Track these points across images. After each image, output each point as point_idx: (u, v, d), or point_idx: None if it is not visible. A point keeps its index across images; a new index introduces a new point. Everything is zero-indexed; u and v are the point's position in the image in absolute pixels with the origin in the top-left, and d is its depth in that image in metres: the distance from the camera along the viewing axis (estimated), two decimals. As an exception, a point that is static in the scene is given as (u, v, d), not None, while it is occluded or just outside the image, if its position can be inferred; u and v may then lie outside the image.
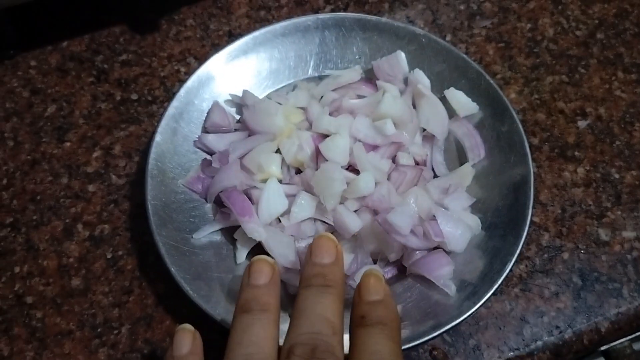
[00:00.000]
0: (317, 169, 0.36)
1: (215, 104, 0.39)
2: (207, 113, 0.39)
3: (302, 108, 0.39)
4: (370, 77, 0.41)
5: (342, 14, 0.41)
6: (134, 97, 0.43)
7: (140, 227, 0.38)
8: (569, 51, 0.45)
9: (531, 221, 0.35)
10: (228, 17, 0.47)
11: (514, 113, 0.37)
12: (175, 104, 0.38)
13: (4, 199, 0.40)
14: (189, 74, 0.44)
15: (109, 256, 0.38)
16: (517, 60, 0.44)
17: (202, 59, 0.45)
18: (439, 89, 0.40)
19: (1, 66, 0.45)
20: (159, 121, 0.38)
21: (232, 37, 0.46)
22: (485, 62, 0.44)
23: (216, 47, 0.45)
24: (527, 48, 0.45)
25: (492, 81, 0.38)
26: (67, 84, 0.44)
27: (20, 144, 0.42)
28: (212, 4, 0.48)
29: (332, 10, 0.47)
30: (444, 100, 0.39)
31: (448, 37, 0.46)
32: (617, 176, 0.40)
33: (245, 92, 0.39)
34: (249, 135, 0.38)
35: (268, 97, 0.40)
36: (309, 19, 0.41)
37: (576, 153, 0.41)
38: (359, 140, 0.36)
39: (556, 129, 0.42)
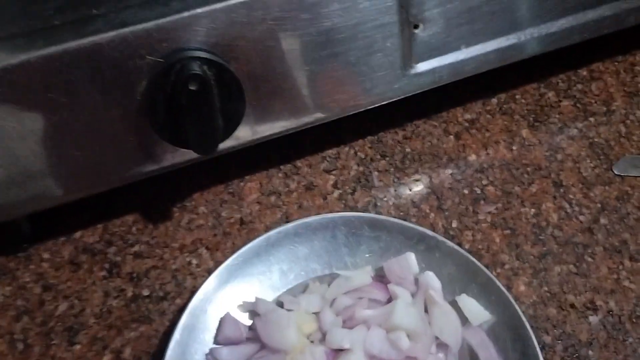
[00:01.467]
0: (331, 387, 0.35)
1: (227, 317, 0.39)
2: (219, 324, 0.39)
3: (314, 312, 0.39)
4: (381, 275, 0.41)
5: (350, 214, 0.43)
6: (145, 292, 0.44)
7: None
8: (574, 238, 0.46)
9: None
10: (239, 204, 0.48)
11: (526, 323, 0.37)
12: (185, 319, 0.38)
13: (10, 410, 0.39)
14: (200, 266, 0.45)
15: None
16: (524, 248, 0.45)
17: (213, 249, 0.46)
18: (450, 290, 0.40)
19: (14, 260, 0.45)
20: (170, 333, 0.38)
21: (243, 224, 0.47)
22: (492, 251, 0.45)
23: (227, 236, 0.46)
24: (533, 235, 0.46)
25: (502, 287, 0.39)
26: (79, 279, 0.44)
27: (29, 347, 0.41)
28: (223, 189, 0.49)
29: (340, 195, 0.48)
30: (455, 303, 0.39)
31: (454, 224, 0.46)
32: (633, 379, 0.39)
33: (257, 300, 0.39)
34: (261, 347, 0.38)
35: (280, 300, 0.40)
36: (319, 219, 0.42)
37: (590, 352, 0.40)
38: (374, 356, 0.36)
39: (568, 325, 0.42)
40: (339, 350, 0.36)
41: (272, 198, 0.48)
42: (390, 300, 0.40)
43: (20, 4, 0.37)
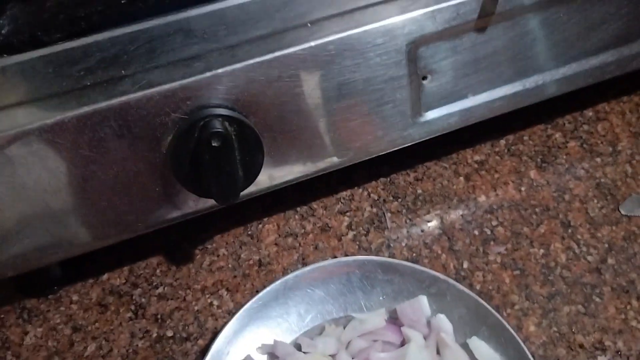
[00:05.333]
0: None
1: (247, 359, 0.41)
2: (240, 368, 0.41)
3: (331, 355, 0.41)
4: (394, 318, 0.43)
5: (364, 258, 0.44)
6: (169, 333, 0.46)
7: None
8: (583, 278, 0.47)
9: None
10: (258, 245, 0.50)
11: (535, 366, 0.39)
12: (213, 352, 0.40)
13: None
14: (220, 307, 0.47)
15: None
16: (533, 289, 0.47)
17: (233, 291, 0.48)
18: (461, 333, 0.42)
19: (45, 302, 0.48)
20: (195, 375, 0.40)
21: (261, 266, 0.49)
22: (502, 291, 0.46)
23: (247, 278, 0.48)
24: (542, 275, 0.47)
25: (512, 331, 0.40)
26: (106, 320, 0.46)
27: (60, 388, 0.44)
28: (242, 231, 0.51)
29: (354, 236, 0.50)
30: (466, 345, 0.41)
31: (465, 264, 0.48)
32: (642, 419, 0.41)
33: (276, 342, 0.41)
34: (281, 390, 0.39)
35: (297, 342, 0.42)
36: (334, 263, 0.44)
37: (599, 393, 0.42)
38: (388, 398, 0.38)
39: (577, 366, 0.43)
40: (355, 393, 0.38)
41: (289, 240, 0.51)
42: (403, 342, 0.41)
43: (53, 66, 0.40)
